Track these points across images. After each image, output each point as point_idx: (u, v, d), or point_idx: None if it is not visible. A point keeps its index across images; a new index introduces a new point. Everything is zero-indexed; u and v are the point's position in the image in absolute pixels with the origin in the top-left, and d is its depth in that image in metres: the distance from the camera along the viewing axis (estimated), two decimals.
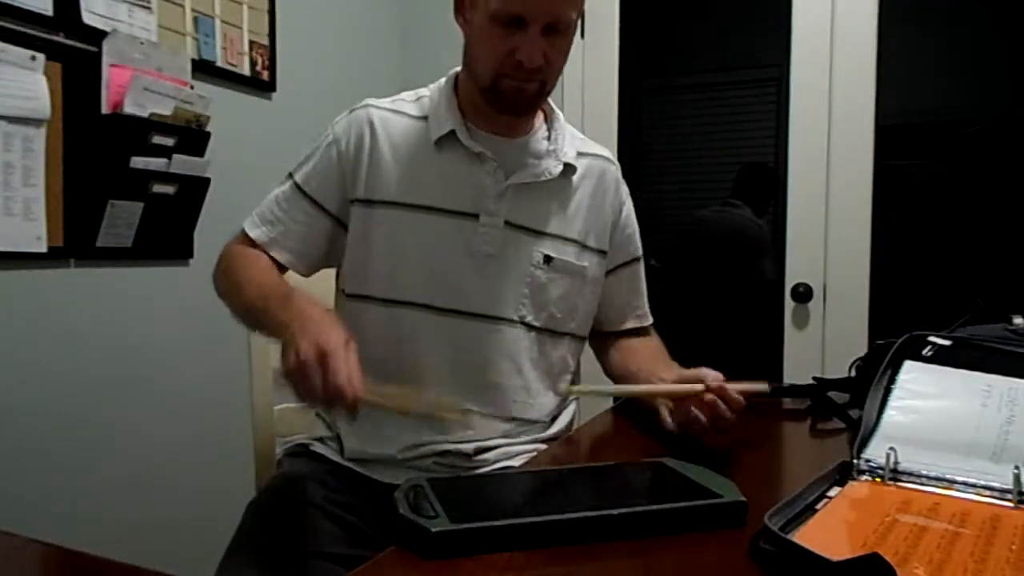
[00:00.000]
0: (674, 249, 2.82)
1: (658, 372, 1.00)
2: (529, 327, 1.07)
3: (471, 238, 1.04)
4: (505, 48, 0.97)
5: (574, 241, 1.10)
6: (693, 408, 0.89)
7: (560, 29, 0.98)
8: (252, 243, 1.07)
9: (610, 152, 1.21)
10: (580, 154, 1.12)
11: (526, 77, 0.99)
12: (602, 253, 1.15)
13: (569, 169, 1.10)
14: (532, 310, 1.07)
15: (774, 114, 2.76)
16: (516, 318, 1.06)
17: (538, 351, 1.08)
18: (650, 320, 1.24)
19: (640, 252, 1.23)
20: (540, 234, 1.07)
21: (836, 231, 2.09)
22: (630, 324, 1.22)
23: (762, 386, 0.93)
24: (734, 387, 0.89)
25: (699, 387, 0.89)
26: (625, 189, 1.20)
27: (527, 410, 1.07)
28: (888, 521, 0.64)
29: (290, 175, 1.10)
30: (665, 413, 0.95)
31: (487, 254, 1.04)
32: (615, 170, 1.19)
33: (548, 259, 1.07)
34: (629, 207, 1.21)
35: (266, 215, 1.08)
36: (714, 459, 0.81)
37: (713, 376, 0.90)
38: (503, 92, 1.01)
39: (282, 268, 1.07)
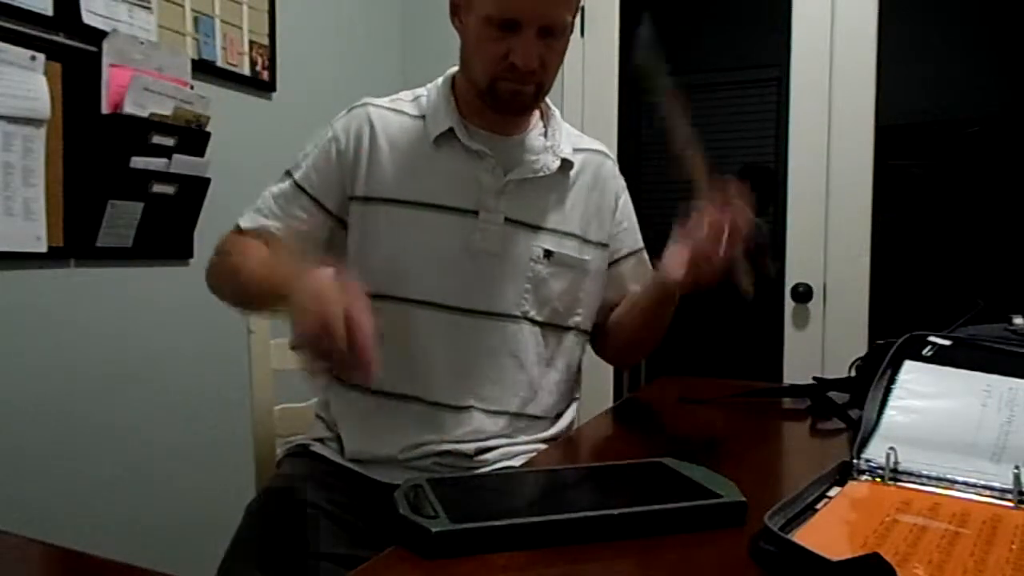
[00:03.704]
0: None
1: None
2: (532, 322, 1.07)
3: (471, 235, 1.04)
4: (500, 51, 0.97)
5: (574, 235, 1.10)
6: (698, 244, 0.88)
7: (555, 32, 0.98)
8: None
9: (606, 147, 1.21)
10: (576, 149, 1.13)
11: (522, 80, 0.99)
12: (603, 246, 1.15)
13: (566, 164, 1.10)
14: (535, 305, 1.07)
15: (774, 114, 2.76)
16: (519, 314, 1.06)
17: (542, 346, 1.09)
18: None
19: (641, 243, 1.23)
20: (540, 229, 1.08)
21: (836, 231, 2.09)
22: None
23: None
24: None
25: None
26: (622, 182, 1.21)
27: (530, 406, 1.07)
28: (888, 521, 0.64)
29: (288, 173, 1.10)
30: (671, 267, 0.94)
31: (487, 251, 1.05)
32: (611, 164, 1.19)
33: (548, 254, 1.07)
34: (626, 199, 1.21)
35: (264, 212, 1.08)
36: (714, 459, 0.81)
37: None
38: (500, 95, 1.01)
39: None
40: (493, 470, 1.01)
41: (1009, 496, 0.69)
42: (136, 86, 1.51)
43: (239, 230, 1.08)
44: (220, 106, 1.72)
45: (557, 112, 1.15)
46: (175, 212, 1.66)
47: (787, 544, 0.56)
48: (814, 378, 1.17)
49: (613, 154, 1.22)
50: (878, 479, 0.74)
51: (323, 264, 0.85)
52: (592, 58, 2.32)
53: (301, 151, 1.11)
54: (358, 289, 0.81)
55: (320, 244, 1.09)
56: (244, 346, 1.25)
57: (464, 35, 1.04)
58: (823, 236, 2.10)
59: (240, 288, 1.01)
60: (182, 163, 1.62)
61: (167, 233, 1.67)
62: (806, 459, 0.98)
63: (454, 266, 1.04)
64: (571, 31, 1.02)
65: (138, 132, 1.52)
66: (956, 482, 0.72)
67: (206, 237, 1.72)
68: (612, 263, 1.18)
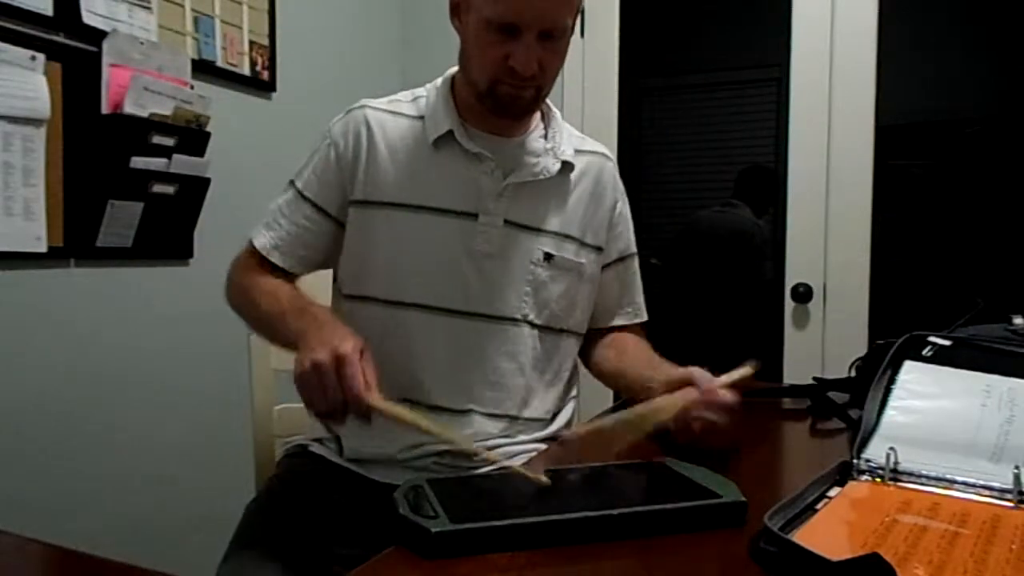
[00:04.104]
0: (674, 249, 2.82)
1: (648, 375, 0.99)
2: (532, 325, 1.07)
3: (471, 238, 1.04)
4: (500, 55, 0.97)
5: (573, 238, 1.10)
6: (689, 417, 0.86)
7: (555, 35, 0.98)
8: (258, 252, 1.08)
9: (607, 149, 1.21)
10: (578, 152, 1.12)
11: (521, 84, 0.99)
12: (599, 249, 1.15)
13: (567, 167, 1.10)
14: (534, 308, 1.07)
15: (774, 114, 2.76)
16: (519, 316, 1.06)
17: (540, 349, 1.08)
18: (643, 318, 1.23)
19: (634, 249, 1.22)
20: (540, 232, 1.07)
21: (836, 231, 2.09)
22: (620, 321, 1.20)
23: (746, 370, 0.91)
24: (720, 381, 0.88)
25: (680, 400, 0.86)
26: (621, 187, 1.20)
27: (527, 408, 1.07)
28: (888, 521, 0.64)
29: (291, 182, 1.10)
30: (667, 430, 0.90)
31: (487, 253, 1.04)
32: (612, 167, 1.19)
33: (548, 256, 1.07)
34: (624, 203, 1.21)
35: (270, 223, 1.09)
36: (714, 459, 0.81)
37: (701, 377, 0.88)
38: (499, 98, 1.01)
39: (286, 273, 1.08)
40: (493, 470, 1.01)
41: (1009, 496, 0.69)
42: (136, 86, 1.51)
43: (253, 249, 1.08)
44: (220, 106, 1.72)
45: (558, 113, 1.14)
46: (175, 212, 1.66)
47: (787, 544, 0.56)
48: (814, 378, 1.17)
49: (613, 156, 1.22)
50: (878, 479, 0.74)
51: (333, 317, 0.90)
52: (592, 58, 2.32)
53: (304, 156, 1.11)
54: (358, 338, 0.83)
55: (324, 249, 1.09)
56: (244, 346, 1.25)
57: (464, 36, 1.04)
58: (823, 236, 2.10)
59: (259, 326, 1.05)
60: (182, 163, 1.61)
61: (167, 233, 1.67)
62: (806, 459, 0.98)
63: (454, 269, 1.04)
64: (571, 34, 1.02)
65: (138, 132, 1.52)
66: (956, 482, 0.72)
67: (206, 237, 1.73)
68: (605, 266, 1.18)
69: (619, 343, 1.18)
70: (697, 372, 0.90)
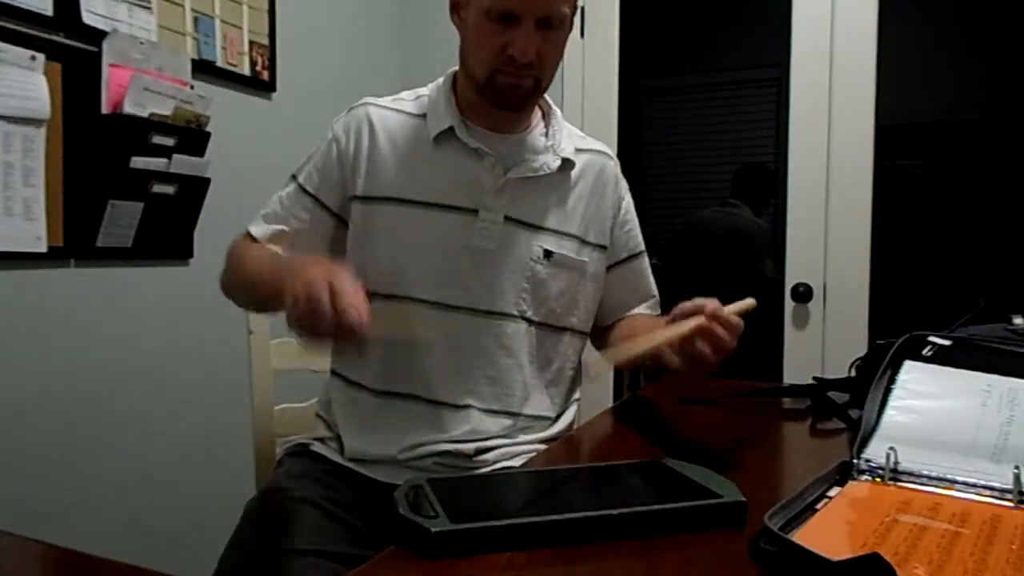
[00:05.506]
0: (674, 249, 2.82)
1: (657, 326, 0.98)
2: (529, 322, 1.07)
3: (471, 233, 1.04)
4: (498, 44, 0.98)
5: (574, 236, 1.10)
6: (696, 342, 0.86)
7: (553, 24, 0.98)
8: (255, 242, 1.08)
9: (609, 148, 1.21)
10: (578, 150, 1.13)
11: (520, 72, 1.00)
12: (603, 248, 1.15)
13: (567, 164, 1.10)
14: (532, 305, 1.07)
15: (774, 114, 2.76)
16: (516, 312, 1.06)
17: (538, 346, 1.09)
18: (658, 312, 1.23)
19: (642, 247, 1.23)
20: (539, 229, 1.08)
21: (836, 231, 2.09)
22: (641, 311, 1.21)
23: (749, 301, 0.91)
24: (726, 310, 0.88)
25: (694, 322, 0.87)
26: (624, 184, 1.21)
27: (527, 405, 1.07)
28: (888, 521, 0.64)
29: (293, 176, 1.11)
30: (669, 356, 0.90)
31: (487, 249, 1.05)
32: (614, 165, 1.19)
33: (548, 254, 1.07)
34: (628, 202, 1.21)
35: (269, 215, 1.10)
36: (714, 459, 0.81)
37: (708, 304, 0.88)
38: (498, 88, 1.01)
39: None
40: (493, 470, 1.01)
41: (1009, 496, 0.69)
42: (136, 86, 1.51)
43: (247, 235, 1.09)
44: (220, 106, 1.72)
45: (559, 112, 1.15)
46: (175, 212, 1.66)
47: (787, 544, 0.56)
48: (814, 378, 1.17)
49: (613, 153, 1.22)
50: (878, 479, 0.74)
51: (321, 257, 0.88)
52: (592, 58, 2.32)
53: (306, 153, 1.12)
54: (343, 268, 0.82)
55: (324, 244, 1.09)
56: (244, 346, 1.25)
57: (463, 31, 1.05)
58: (823, 236, 2.10)
59: (249, 291, 1.04)
60: (182, 163, 1.61)
61: (167, 233, 1.67)
62: (806, 459, 0.98)
63: (453, 265, 1.04)
64: (570, 26, 1.03)
65: (138, 132, 1.52)
66: (956, 482, 0.72)
67: (206, 237, 1.73)
68: (612, 266, 1.18)
69: (627, 319, 1.20)
70: (699, 300, 0.89)
